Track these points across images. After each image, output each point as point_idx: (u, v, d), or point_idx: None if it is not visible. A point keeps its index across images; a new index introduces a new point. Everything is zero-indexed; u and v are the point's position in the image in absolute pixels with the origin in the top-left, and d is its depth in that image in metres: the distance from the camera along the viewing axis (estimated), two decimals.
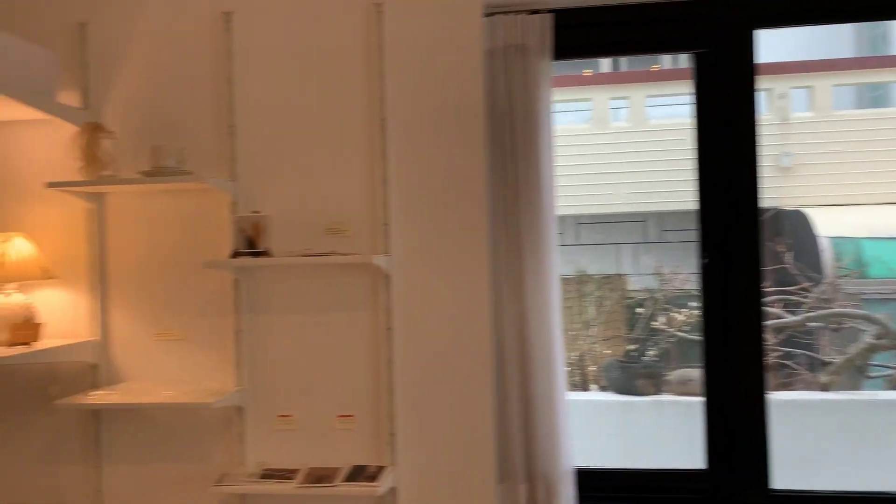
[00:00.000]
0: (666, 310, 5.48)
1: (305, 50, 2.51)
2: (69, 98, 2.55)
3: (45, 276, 2.43)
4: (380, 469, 2.40)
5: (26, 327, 2.30)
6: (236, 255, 2.40)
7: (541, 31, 2.48)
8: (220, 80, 2.52)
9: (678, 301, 5.43)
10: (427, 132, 2.48)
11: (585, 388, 5.37)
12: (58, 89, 2.50)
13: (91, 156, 2.37)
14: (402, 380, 2.48)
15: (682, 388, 4.88)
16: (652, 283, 5.82)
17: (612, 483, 2.71)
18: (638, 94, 7.01)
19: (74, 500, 2.57)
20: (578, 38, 2.61)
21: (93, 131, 2.38)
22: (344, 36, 2.49)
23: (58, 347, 2.38)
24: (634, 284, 6.08)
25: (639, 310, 5.68)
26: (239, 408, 2.51)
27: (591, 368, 5.47)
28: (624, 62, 8.06)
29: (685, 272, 5.47)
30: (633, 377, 4.95)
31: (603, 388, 5.18)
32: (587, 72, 7.30)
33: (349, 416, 2.50)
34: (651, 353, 5.38)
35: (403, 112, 2.48)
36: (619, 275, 6.21)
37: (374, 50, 2.47)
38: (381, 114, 2.47)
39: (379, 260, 2.37)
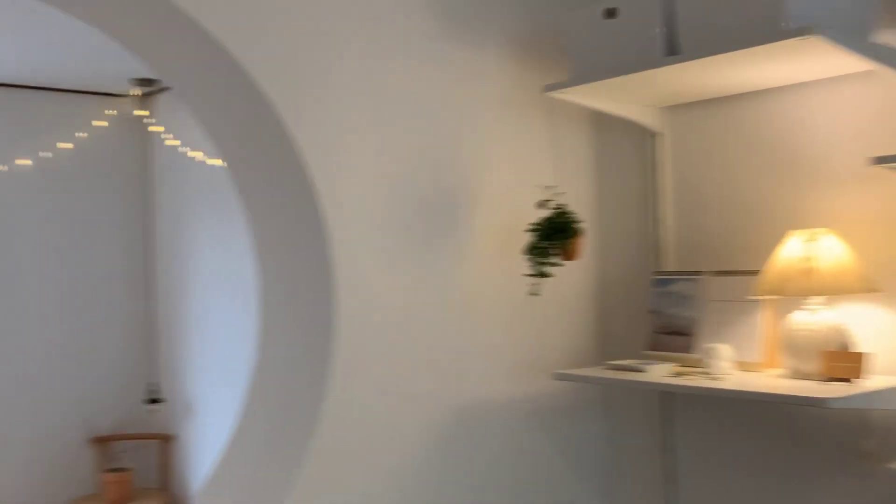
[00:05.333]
0: None
1: None
2: (888, 37, 1.81)
3: (866, 288, 1.74)
4: None
5: (846, 358, 1.66)
6: None
7: None
8: None
9: None
10: None
11: None
12: (875, 27, 1.80)
13: None
14: None
15: None
16: None
17: None
18: None
19: None
20: None
21: None
22: None
23: (885, 390, 1.67)
24: None
25: None
26: None
27: None
28: None
29: None
30: None
31: None
32: None
33: None
34: None
35: None
36: None
37: None
38: None
39: None
